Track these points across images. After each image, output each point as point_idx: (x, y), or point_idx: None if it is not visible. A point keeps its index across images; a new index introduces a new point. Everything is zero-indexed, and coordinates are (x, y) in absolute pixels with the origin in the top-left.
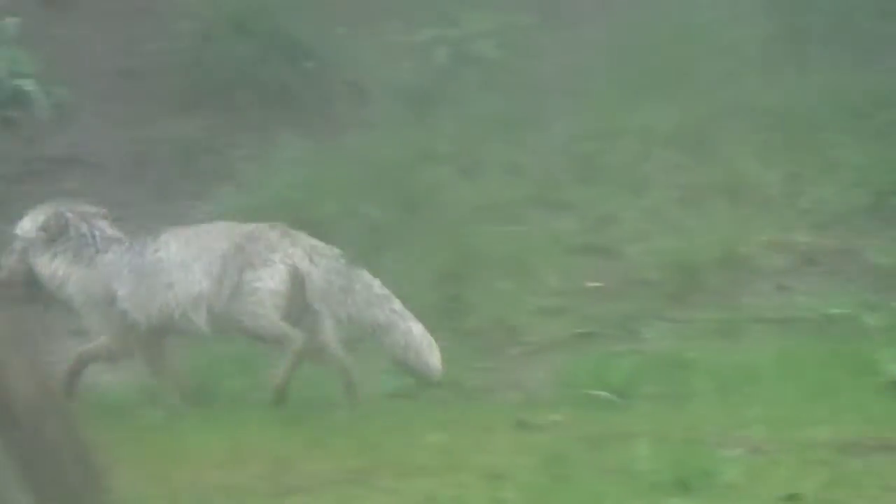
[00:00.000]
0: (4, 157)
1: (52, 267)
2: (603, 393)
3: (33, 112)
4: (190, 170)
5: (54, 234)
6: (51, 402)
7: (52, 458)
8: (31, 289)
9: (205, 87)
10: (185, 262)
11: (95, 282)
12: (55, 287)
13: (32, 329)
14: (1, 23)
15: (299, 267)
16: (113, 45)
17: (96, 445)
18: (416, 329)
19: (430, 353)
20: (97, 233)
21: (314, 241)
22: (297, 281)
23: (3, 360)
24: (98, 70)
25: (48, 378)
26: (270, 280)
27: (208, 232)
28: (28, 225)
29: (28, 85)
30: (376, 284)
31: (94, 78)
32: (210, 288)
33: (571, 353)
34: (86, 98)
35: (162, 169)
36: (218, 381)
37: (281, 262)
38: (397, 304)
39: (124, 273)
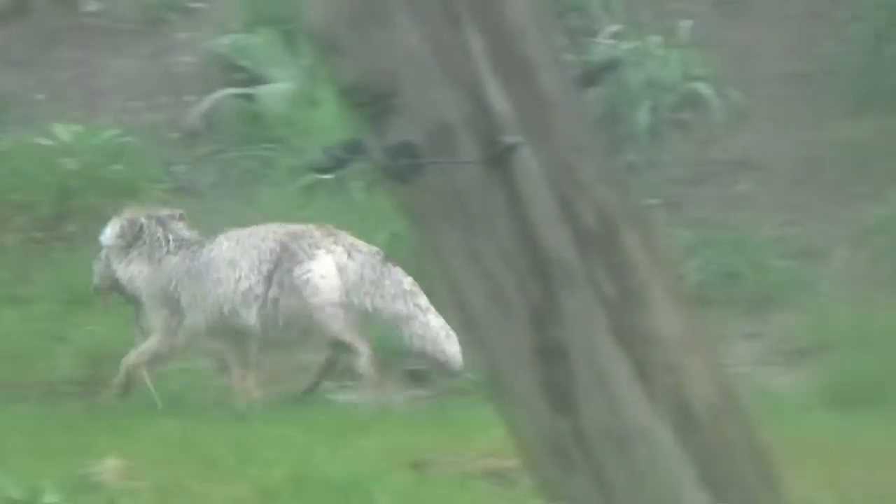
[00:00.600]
0: (678, 160)
1: (129, 271)
2: None
3: (707, 115)
4: (862, 173)
5: (130, 240)
6: (730, 404)
7: (731, 458)
8: (120, 294)
9: (878, 90)
10: (233, 260)
11: (161, 283)
12: (132, 290)
13: (709, 330)
14: (675, 26)
15: (339, 261)
16: (785, 48)
17: (772, 446)
18: (435, 322)
19: (448, 344)
20: (171, 236)
21: (354, 240)
22: (342, 270)
23: (682, 361)
24: (770, 73)
25: (727, 379)
26: (319, 269)
27: (257, 231)
28: (109, 232)
29: (702, 88)
30: (407, 281)
31: (766, 81)
32: (257, 284)
33: None
34: (758, 101)
35: (833, 172)
36: None
37: (324, 253)
38: (423, 300)
39: (184, 275)
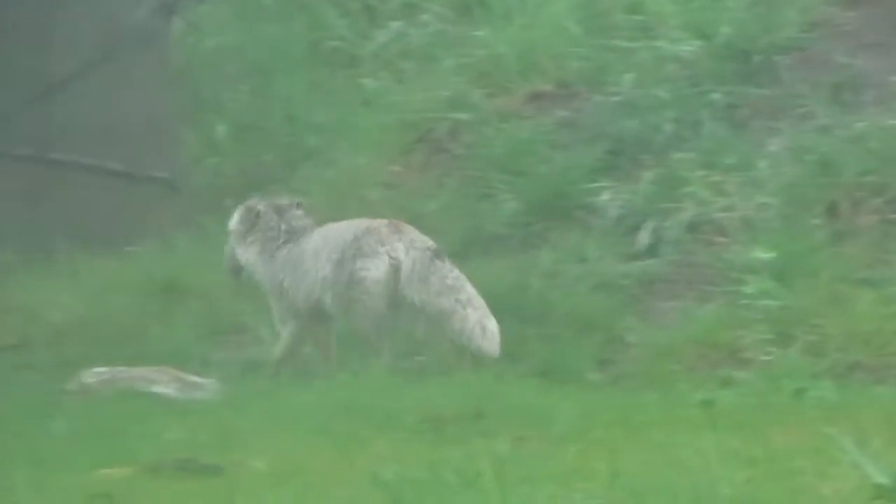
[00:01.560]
0: None
1: (247, 256)
2: None
3: None
4: None
5: (248, 227)
6: None
7: None
8: (248, 278)
9: None
10: (317, 251)
11: (273, 271)
12: (251, 275)
13: None
14: None
15: (398, 258)
16: None
17: None
18: (473, 316)
19: (482, 338)
20: (283, 225)
21: (416, 235)
22: (396, 271)
23: None
24: None
25: None
26: (375, 270)
27: (342, 225)
28: (234, 219)
29: None
30: (451, 276)
31: None
32: (332, 273)
33: None
34: None
35: None
36: None
37: (385, 253)
38: (464, 294)
39: (287, 263)
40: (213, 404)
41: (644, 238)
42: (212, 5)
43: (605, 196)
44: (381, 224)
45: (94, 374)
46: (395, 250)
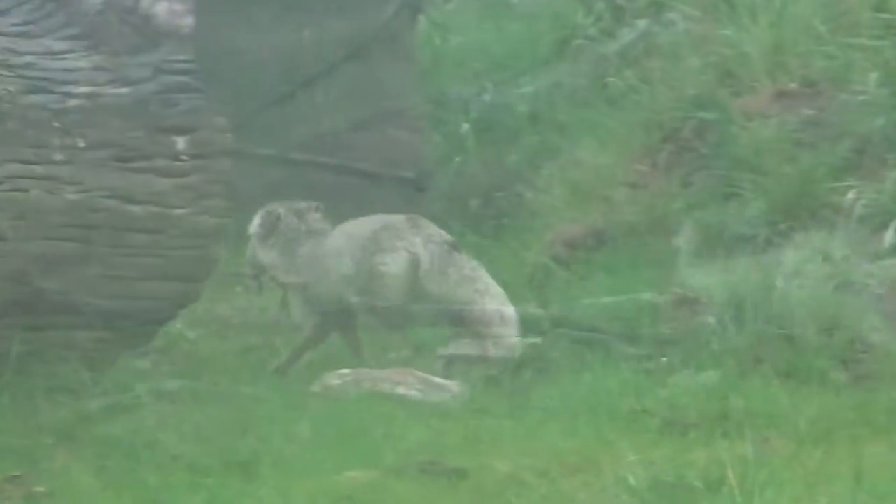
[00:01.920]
0: None
1: (268, 259)
2: None
3: None
4: None
5: (269, 230)
6: None
7: None
8: (271, 279)
9: None
10: (339, 248)
11: (295, 272)
12: (273, 278)
13: None
14: None
15: (416, 252)
16: None
17: None
18: (491, 304)
19: (501, 324)
20: (303, 227)
21: (433, 230)
22: (415, 265)
23: None
24: None
25: None
26: (393, 264)
27: (361, 222)
28: (255, 222)
29: None
30: (468, 267)
31: None
32: (354, 271)
33: None
34: None
35: None
36: None
37: (404, 248)
38: (481, 284)
39: (309, 263)
40: (457, 406)
41: (890, 237)
42: (457, 4)
43: (850, 195)
44: (400, 219)
45: (339, 376)
46: (412, 245)
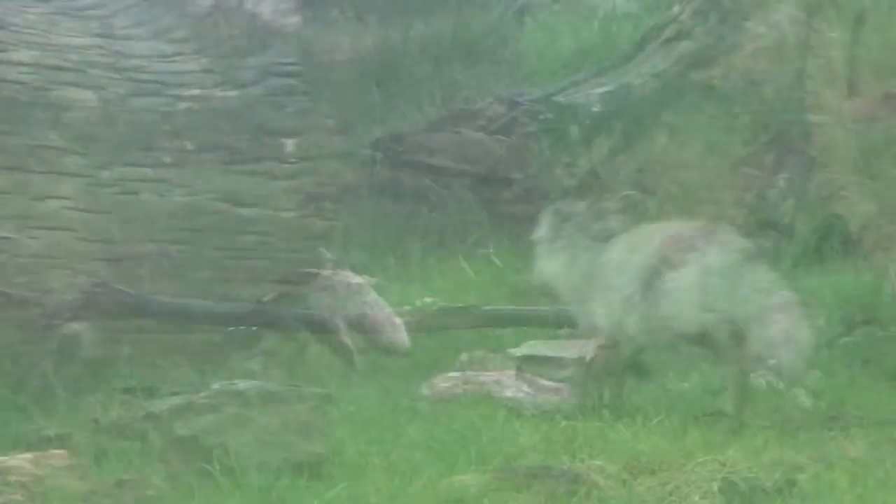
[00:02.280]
0: None
1: (552, 266)
2: None
3: None
4: None
5: (555, 235)
6: None
7: None
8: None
9: None
10: (621, 264)
11: (574, 280)
12: (556, 285)
13: None
14: None
15: (710, 263)
16: None
17: None
18: (781, 323)
19: (784, 348)
20: (590, 231)
21: (727, 237)
22: (706, 278)
23: None
24: None
25: None
26: (683, 280)
27: (642, 234)
28: (542, 226)
29: None
30: (763, 280)
31: None
32: (638, 291)
33: None
34: None
35: None
36: None
37: (694, 262)
38: (777, 298)
39: (589, 277)
40: (565, 408)
41: None
42: (563, 5)
43: None
44: (686, 229)
45: (447, 379)
46: (704, 255)
